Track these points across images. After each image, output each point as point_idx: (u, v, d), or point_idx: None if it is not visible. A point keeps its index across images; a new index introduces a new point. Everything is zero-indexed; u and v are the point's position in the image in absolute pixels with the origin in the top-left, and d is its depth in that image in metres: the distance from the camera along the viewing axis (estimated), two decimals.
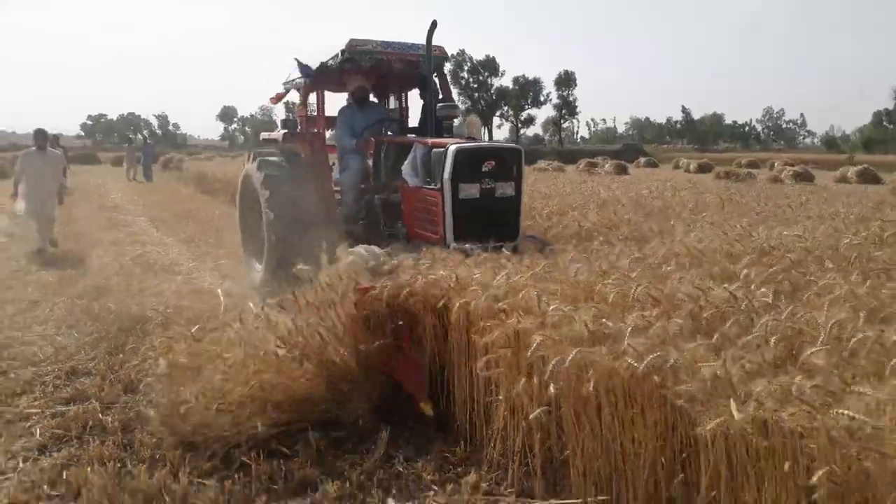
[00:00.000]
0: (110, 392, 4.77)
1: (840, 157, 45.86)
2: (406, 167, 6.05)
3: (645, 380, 2.59)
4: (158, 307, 6.51)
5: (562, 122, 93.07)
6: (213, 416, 3.82)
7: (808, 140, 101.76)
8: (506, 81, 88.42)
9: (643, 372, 2.53)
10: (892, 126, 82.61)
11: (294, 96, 7.80)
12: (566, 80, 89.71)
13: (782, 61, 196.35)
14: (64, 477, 3.61)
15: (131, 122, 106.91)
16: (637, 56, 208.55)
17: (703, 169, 34.18)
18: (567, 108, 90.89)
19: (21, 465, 3.83)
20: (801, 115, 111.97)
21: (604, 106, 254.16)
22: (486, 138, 36.71)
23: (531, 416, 2.91)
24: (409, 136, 7.01)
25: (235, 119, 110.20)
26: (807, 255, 4.40)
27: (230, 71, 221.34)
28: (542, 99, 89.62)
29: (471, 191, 5.55)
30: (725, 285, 3.25)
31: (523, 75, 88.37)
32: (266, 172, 6.84)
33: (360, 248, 5.55)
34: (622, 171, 32.10)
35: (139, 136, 45.30)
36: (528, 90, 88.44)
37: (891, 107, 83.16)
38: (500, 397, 3.30)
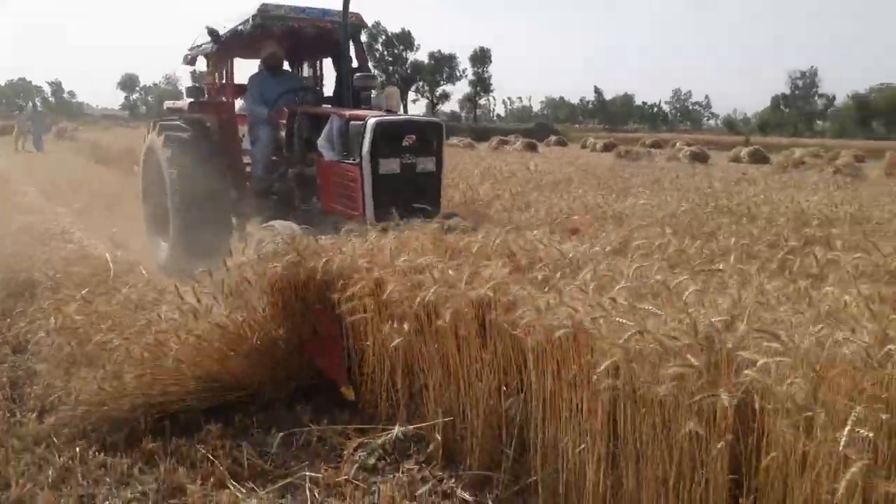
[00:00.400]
0: None
1: (737, 139, 47.87)
2: (322, 140, 5.72)
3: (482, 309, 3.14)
4: (48, 272, 6.23)
5: (477, 98, 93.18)
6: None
7: (711, 122, 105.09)
8: (421, 56, 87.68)
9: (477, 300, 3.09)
10: (787, 109, 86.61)
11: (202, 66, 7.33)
12: (481, 57, 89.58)
13: (692, 43, 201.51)
14: None
15: (21, 88, 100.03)
16: (553, 34, 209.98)
17: (607, 148, 34.36)
18: (482, 84, 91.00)
19: None
20: (706, 97, 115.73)
21: (520, 85, 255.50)
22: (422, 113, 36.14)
23: (390, 348, 3.36)
24: (324, 106, 6.68)
25: (138, 88, 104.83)
26: (650, 221, 5.52)
27: (131, 36, 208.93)
28: (457, 75, 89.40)
29: (391, 166, 5.29)
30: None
31: (439, 50, 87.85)
32: (171, 145, 6.37)
33: (276, 223, 5.25)
34: (532, 148, 32.27)
35: (29, 105, 42.44)
36: (443, 65, 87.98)
37: (787, 91, 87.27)
38: (368, 342, 3.61)
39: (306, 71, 7.59)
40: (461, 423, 3.28)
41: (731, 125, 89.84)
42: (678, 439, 2.36)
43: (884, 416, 1.95)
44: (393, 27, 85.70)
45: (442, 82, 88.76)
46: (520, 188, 8.83)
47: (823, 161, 22.66)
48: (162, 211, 6.82)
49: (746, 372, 2.18)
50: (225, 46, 6.54)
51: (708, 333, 2.36)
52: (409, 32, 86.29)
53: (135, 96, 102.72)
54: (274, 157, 6.49)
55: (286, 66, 7.29)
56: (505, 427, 3.12)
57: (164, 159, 6.41)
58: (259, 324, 3.89)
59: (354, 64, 6.44)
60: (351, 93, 6.10)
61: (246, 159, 6.80)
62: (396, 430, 3.38)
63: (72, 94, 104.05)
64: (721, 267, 3.41)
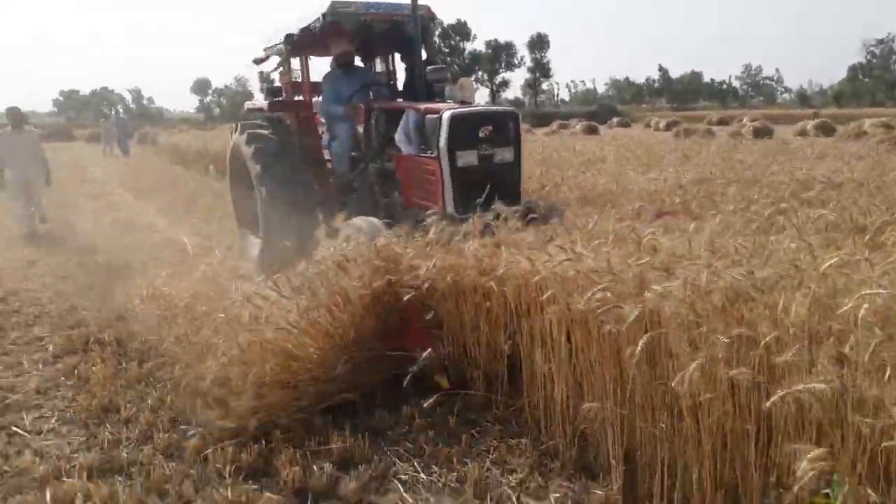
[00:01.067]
0: (104, 320, 5.75)
1: (806, 112, 46.02)
2: (399, 134, 5.73)
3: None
4: (139, 257, 7.71)
5: (537, 84, 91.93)
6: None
7: (785, 96, 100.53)
8: (478, 45, 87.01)
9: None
10: (866, 79, 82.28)
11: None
12: (539, 43, 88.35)
13: (761, 18, 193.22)
14: (75, 373, 4.74)
15: (105, 97, 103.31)
16: (616, 16, 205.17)
17: (669, 127, 33.74)
18: (541, 70, 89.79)
19: (41, 367, 4.98)
20: (777, 70, 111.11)
21: (585, 68, 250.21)
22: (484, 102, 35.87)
23: None
24: (399, 101, 6.68)
25: (210, 91, 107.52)
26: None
27: (202, 40, 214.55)
28: (515, 62, 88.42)
29: (469, 158, 5.25)
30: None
31: (495, 39, 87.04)
32: (255, 145, 6.49)
33: (358, 220, 5.30)
34: (592, 131, 32.01)
35: (113, 112, 44.25)
36: (500, 53, 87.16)
37: (863, 60, 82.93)
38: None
39: (378, 66, 7.59)
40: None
41: (803, 98, 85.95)
42: (599, 338, 3.04)
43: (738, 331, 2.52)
44: (448, 18, 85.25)
45: (501, 70, 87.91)
46: (555, 169, 9.73)
47: (883, 131, 21.86)
48: (251, 209, 6.96)
49: (647, 294, 2.77)
50: (298, 45, 6.59)
51: (620, 268, 3.05)
52: (464, 23, 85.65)
53: (208, 99, 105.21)
54: (353, 153, 6.53)
55: (358, 62, 7.31)
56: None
57: (249, 157, 6.53)
58: (351, 317, 3.92)
59: (425, 57, 6.41)
60: (424, 86, 6.07)
61: (326, 156, 6.86)
62: None
63: (150, 100, 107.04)
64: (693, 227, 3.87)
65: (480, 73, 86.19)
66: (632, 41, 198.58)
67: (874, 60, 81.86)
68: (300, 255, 6.30)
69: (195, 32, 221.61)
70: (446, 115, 5.16)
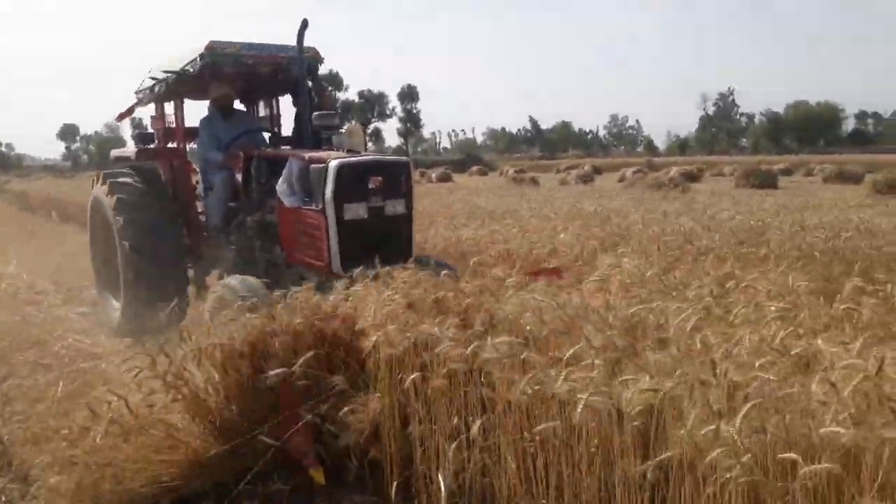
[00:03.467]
0: None
1: (640, 161, 49.72)
2: (281, 185, 5.03)
3: None
4: None
5: (408, 134, 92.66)
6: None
7: (653, 144, 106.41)
8: (350, 95, 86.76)
9: None
10: (713, 129, 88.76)
11: (144, 113, 6.56)
12: (410, 94, 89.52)
13: (625, 70, 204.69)
14: None
15: None
16: (497, 69, 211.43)
17: (518, 173, 34.45)
18: (412, 120, 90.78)
19: None
20: (637, 121, 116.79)
21: (467, 117, 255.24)
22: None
23: None
24: (283, 148, 6.03)
25: (78, 137, 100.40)
26: None
27: (69, 86, 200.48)
28: (387, 112, 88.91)
29: (357, 211, 4.67)
30: None
31: (368, 89, 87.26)
32: (118, 196, 5.61)
33: (233, 280, 4.57)
34: (446, 178, 33.16)
35: None
36: (373, 103, 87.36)
37: (703, 112, 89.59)
38: None
39: (262, 111, 6.89)
40: None
41: (649, 147, 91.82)
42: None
43: None
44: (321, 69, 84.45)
45: (374, 120, 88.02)
46: None
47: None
48: (112, 268, 6.02)
49: None
50: (172, 88, 5.82)
51: None
52: (336, 73, 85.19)
53: (76, 145, 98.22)
54: (231, 204, 5.79)
55: (239, 105, 6.61)
56: None
57: (111, 210, 5.65)
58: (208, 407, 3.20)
59: (313, 102, 5.82)
60: (310, 132, 5.46)
61: (199, 208, 6.06)
62: None
63: (10, 146, 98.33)
64: None
65: (353, 121, 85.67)
66: (508, 93, 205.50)
67: (719, 112, 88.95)
68: (167, 318, 5.48)
69: (64, 75, 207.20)
70: (333, 164, 4.58)
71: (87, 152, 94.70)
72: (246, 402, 3.23)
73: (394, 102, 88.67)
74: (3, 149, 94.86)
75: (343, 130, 5.55)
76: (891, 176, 18.23)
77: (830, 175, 25.55)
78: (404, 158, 5.18)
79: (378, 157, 5.08)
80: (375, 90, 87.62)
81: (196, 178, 6.17)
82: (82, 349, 4.76)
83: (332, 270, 4.55)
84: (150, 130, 6.43)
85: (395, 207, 4.84)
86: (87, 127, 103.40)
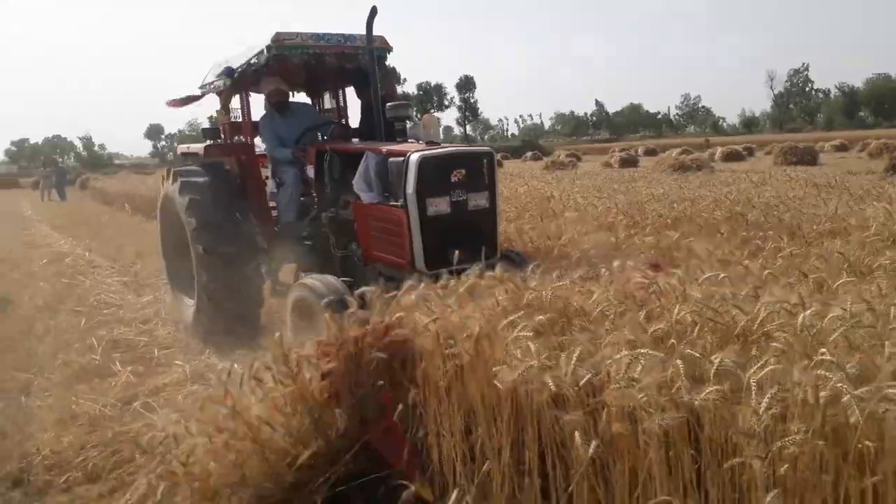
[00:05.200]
0: None
1: (697, 140, 47.53)
2: (358, 180, 4.58)
3: None
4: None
5: (465, 122, 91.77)
6: None
7: (722, 123, 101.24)
8: (408, 88, 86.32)
9: None
10: (791, 107, 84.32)
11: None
12: (466, 84, 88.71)
13: (698, 51, 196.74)
14: None
15: (57, 144, 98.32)
16: (565, 54, 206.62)
17: (570, 157, 33.58)
18: (469, 109, 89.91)
19: None
20: (699, 98, 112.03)
21: (533, 102, 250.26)
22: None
23: None
24: (355, 141, 5.51)
25: (163, 136, 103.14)
26: None
27: (154, 84, 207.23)
28: (446, 103, 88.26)
29: (440, 206, 4.22)
30: None
31: (427, 81, 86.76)
32: (190, 196, 5.22)
33: (312, 279, 4.11)
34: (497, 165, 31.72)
35: (44, 162, 42.36)
36: (431, 95, 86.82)
37: (778, 90, 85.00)
38: None
39: (328, 102, 6.39)
40: None
41: (715, 127, 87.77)
42: None
43: None
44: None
45: (433, 110, 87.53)
46: None
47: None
48: (185, 266, 5.64)
49: None
50: (239, 82, 5.37)
51: None
52: (394, 68, 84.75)
53: (161, 144, 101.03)
54: (303, 199, 5.33)
55: (304, 98, 6.16)
56: None
57: (183, 208, 5.27)
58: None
59: (382, 93, 5.27)
60: (383, 125, 4.92)
61: (271, 204, 5.61)
62: None
63: (102, 146, 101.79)
64: None
65: (432, 111, 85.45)
66: (578, 78, 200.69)
67: (793, 89, 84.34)
68: (243, 319, 5.06)
69: (150, 78, 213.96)
70: (414, 157, 4.10)
71: (172, 150, 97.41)
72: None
73: (452, 93, 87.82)
74: (97, 149, 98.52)
75: (418, 121, 4.99)
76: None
77: (875, 150, 24.14)
78: (487, 148, 4.61)
79: (460, 147, 4.49)
80: (433, 82, 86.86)
81: (266, 173, 5.70)
82: (111, 302, 7.00)
83: (416, 268, 4.12)
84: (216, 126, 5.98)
85: (478, 201, 4.39)
86: (172, 126, 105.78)
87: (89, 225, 15.39)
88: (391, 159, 4.32)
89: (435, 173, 4.16)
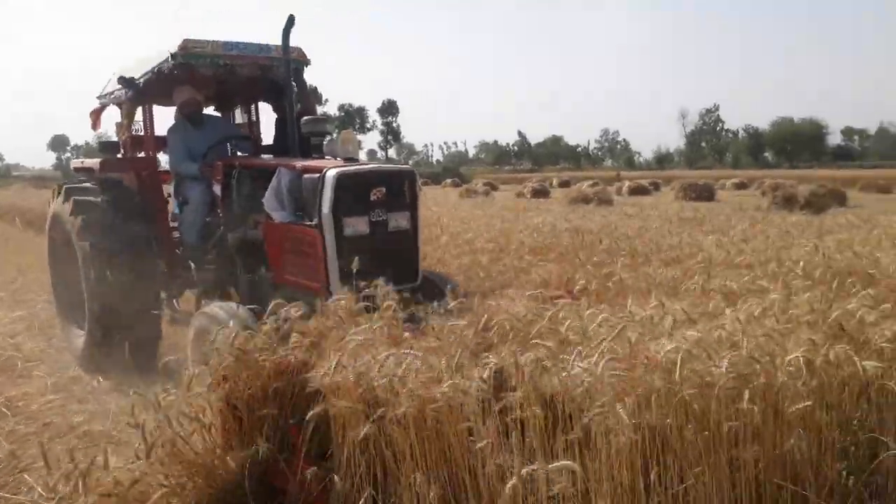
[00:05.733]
0: None
1: (610, 174, 49.38)
2: (269, 198, 4.20)
3: None
4: None
5: (387, 147, 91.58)
6: None
7: (635, 159, 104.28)
8: (330, 108, 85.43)
9: None
10: (703, 145, 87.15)
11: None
12: (389, 108, 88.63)
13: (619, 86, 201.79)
14: None
15: None
16: (492, 83, 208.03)
17: (489, 187, 34.34)
18: (392, 134, 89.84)
19: None
20: (623, 138, 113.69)
21: (458, 130, 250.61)
22: None
23: None
24: (266, 157, 5.14)
25: (69, 148, 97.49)
26: None
27: (56, 95, 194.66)
28: (368, 126, 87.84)
29: (358, 226, 3.91)
30: None
31: (349, 103, 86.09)
32: (82, 216, 4.68)
33: (215, 307, 3.71)
34: None
35: None
36: (354, 117, 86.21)
37: (690, 128, 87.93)
38: None
39: (239, 117, 5.99)
40: None
41: (630, 162, 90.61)
42: None
43: None
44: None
45: (356, 133, 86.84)
46: None
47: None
48: (74, 292, 5.08)
49: None
50: (142, 92, 4.91)
51: None
52: (315, 88, 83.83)
53: (66, 155, 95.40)
54: (209, 219, 4.90)
55: (212, 111, 5.74)
56: None
57: (74, 230, 4.73)
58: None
59: (298, 107, 4.95)
60: (298, 140, 4.59)
61: (173, 224, 5.14)
62: None
63: (0, 157, 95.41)
64: None
65: (349, 128, 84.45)
66: (502, 107, 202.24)
67: (705, 127, 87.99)
68: (139, 351, 4.56)
69: (55, 87, 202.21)
70: (331, 174, 3.79)
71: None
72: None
73: (374, 116, 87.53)
74: None
75: (334, 136, 4.69)
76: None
77: (767, 189, 25.26)
78: (409, 167, 4.36)
79: (380, 165, 4.22)
80: (355, 104, 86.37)
81: (168, 190, 5.23)
82: None
83: (330, 292, 3.75)
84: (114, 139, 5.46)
85: (399, 222, 4.09)
86: (78, 137, 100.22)
87: None
88: (306, 175, 3.99)
89: (353, 191, 3.85)
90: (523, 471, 2.05)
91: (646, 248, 6.29)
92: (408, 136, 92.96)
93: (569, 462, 2.04)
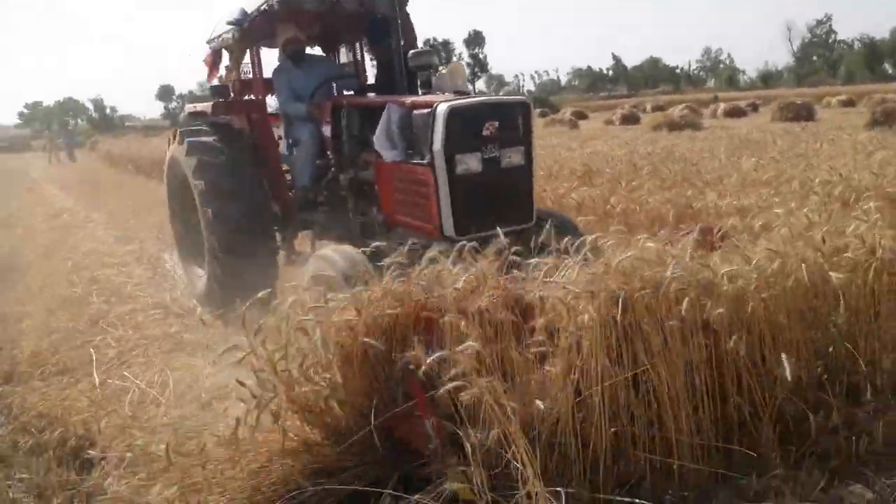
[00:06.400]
0: None
1: (709, 96, 46.22)
2: (379, 136, 4.10)
3: None
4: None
5: (475, 79, 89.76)
6: None
7: (743, 77, 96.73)
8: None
9: None
10: (816, 59, 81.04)
11: None
12: (475, 39, 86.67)
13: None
14: None
15: (69, 107, 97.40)
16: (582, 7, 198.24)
17: (575, 115, 32.46)
18: (479, 65, 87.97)
19: None
20: (728, 54, 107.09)
21: (550, 57, 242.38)
22: None
23: None
24: (373, 95, 5.03)
25: (174, 97, 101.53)
26: None
27: (165, 45, 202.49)
28: (454, 59, 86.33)
29: (471, 163, 3.73)
30: None
31: (434, 37, 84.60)
32: (198, 156, 4.76)
33: (330, 250, 3.66)
34: None
35: (55, 126, 42.40)
36: (439, 51, 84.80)
37: (797, 43, 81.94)
38: None
39: (344, 57, 5.87)
40: None
41: (731, 81, 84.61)
42: None
43: None
44: None
45: (441, 67, 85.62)
46: None
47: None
48: (194, 232, 5.23)
49: None
50: (248, 33, 4.87)
51: None
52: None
53: (173, 105, 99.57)
54: (319, 161, 4.87)
55: (317, 50, 5.65)
56: None
57: (190, 170, 4.82)
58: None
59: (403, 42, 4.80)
60: (405, 75, 4.43)
61: (285, 166, 5.16)
62: None
63: (113, 108, 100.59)
64: None
65: (455, 59, 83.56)
66: (594, 31, 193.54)
67: (816, 40, 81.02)
68: (256, 289, 4.66)
69: (162, 39, 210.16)
70: (442, 108, 3.63)
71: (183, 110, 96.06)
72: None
73: (460, 49, 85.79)
74: (108, 111, 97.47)
75: (443, 70, 4.49)
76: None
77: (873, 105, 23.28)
78: (523, 98, 4.11)
79: (493, 97, 3.98)
80: (440, 38, 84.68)
81: (278, 132, 5.23)
82: (100, 250, 7.71)
83: (444, 235, 3.67)
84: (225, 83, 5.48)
85: (513, 158, 3.89)
86: (183, 87, 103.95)
87: (92, 185, 16.21)
88: (416, 111, 3.86)
89: (465, 126, 3.68)
90: None
91: (687, 171, 6.81)
92: (496, 67, 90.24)
93: None
